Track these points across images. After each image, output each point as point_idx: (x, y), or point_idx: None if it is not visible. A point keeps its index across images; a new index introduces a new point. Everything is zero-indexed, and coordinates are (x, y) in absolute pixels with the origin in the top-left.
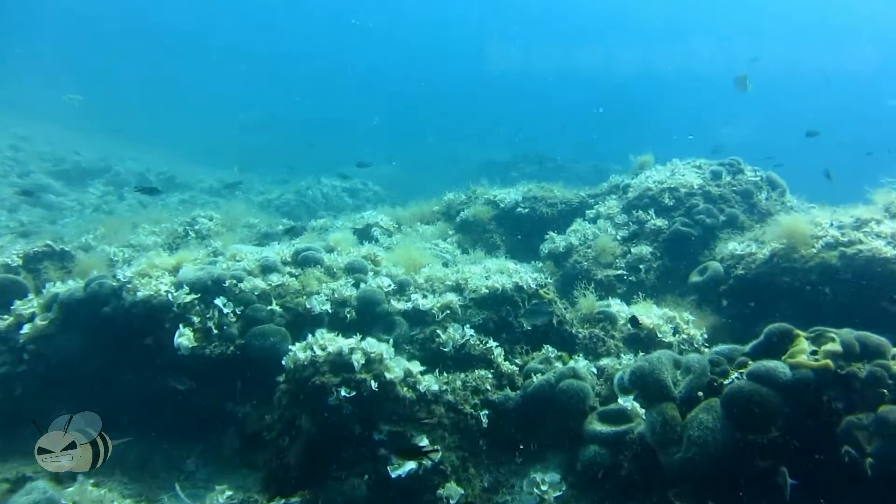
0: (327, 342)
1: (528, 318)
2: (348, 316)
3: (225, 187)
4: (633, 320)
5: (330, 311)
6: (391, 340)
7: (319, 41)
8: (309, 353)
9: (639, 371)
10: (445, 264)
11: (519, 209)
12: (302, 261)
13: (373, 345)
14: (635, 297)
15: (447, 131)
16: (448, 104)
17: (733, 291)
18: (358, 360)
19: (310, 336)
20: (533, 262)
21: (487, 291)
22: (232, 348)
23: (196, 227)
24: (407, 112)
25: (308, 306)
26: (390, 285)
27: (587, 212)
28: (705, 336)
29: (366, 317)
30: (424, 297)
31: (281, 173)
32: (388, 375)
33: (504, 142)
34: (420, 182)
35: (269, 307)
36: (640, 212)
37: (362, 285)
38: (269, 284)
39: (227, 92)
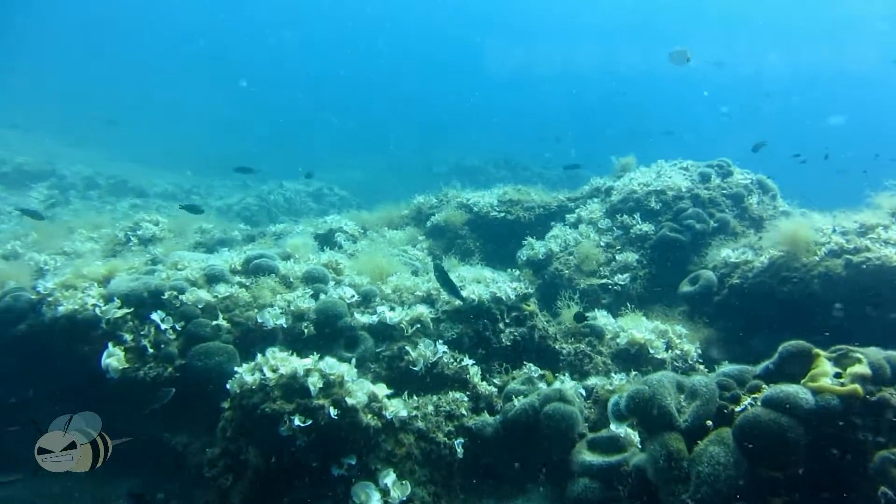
0: (279, 363)
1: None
2: (306, 331)
3: (183, 192)
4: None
5: (285, 325)
6: (354, 359)
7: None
8: (258, 375)
9: (638, 396)
10: (415, 273)
11: (494, 213)
12: (254, 269)
13: (332, 366)
14: (622, 308)
15: (415, 136)
16: (417, 107)
17: (728, 302)
18: (315, 383)
19: (259, 356)
20: (510, 269)
21: (461, 303)
22: (170, 370)
23: (139, 233)
24: (374, 115)
25: (260, 321)
26: (354, 296)
27: (567, 216)
28: (699, 351)
29: (326, 332)
30: (392, 309)
31: (242, 177)
32: (349, 401)
33: (473, 146)
34: (388, 186)
35: (214, 322)
36: (625, 216)
37: (322, 296)
38: (216, 296)
39: (187, 93)
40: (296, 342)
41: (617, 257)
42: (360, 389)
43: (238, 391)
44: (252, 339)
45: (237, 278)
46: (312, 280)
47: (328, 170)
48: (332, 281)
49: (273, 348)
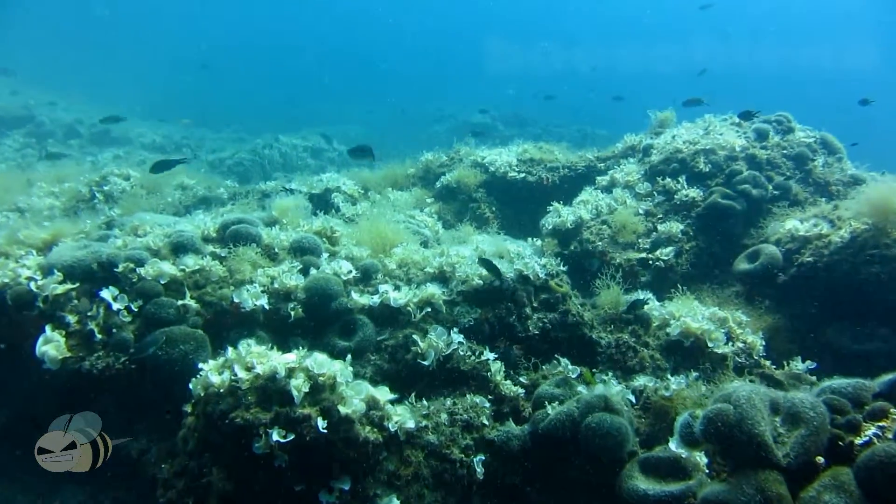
0: (255, 359)
1: None
2: (293, 314)
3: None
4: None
5: (267, 306)
6: (350, 352)
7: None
8: (227, 375)
9: (720, 419)
10: (425, 243)
11: (513, 174)
12: (231, 237)
13: (322, 364)
14: (671, 291)
15: (419, 91)
16: (420, 62)
17: (796, 284)
18: (299, 387)
19: (230, 351)
20: (531, 238)
21: (482, 283)
22: (123, 360)
23: (106, 189)
24: (377, 69)
25: (236, 300)
26: (351, 272)
27: (598, 178)
28: (764, 344)
29: (317, 315)
30: (397, 288)
31: (237, 130)
32: (342, 410)
33: (481, 102)
34: (391, 143)
35: (180, 301)
36: (668, 179)
37: (313, 271)
38: (183, 270)
39: (184, 42)
40: (280, 328)
41: (659, 227)
42: (357, 395)
43: (202, 394)
44: (226, 323)
45: (210, 248)
46: (302, 251)
47: (327, 123)
48: (326, 253)
49: (249, 340)
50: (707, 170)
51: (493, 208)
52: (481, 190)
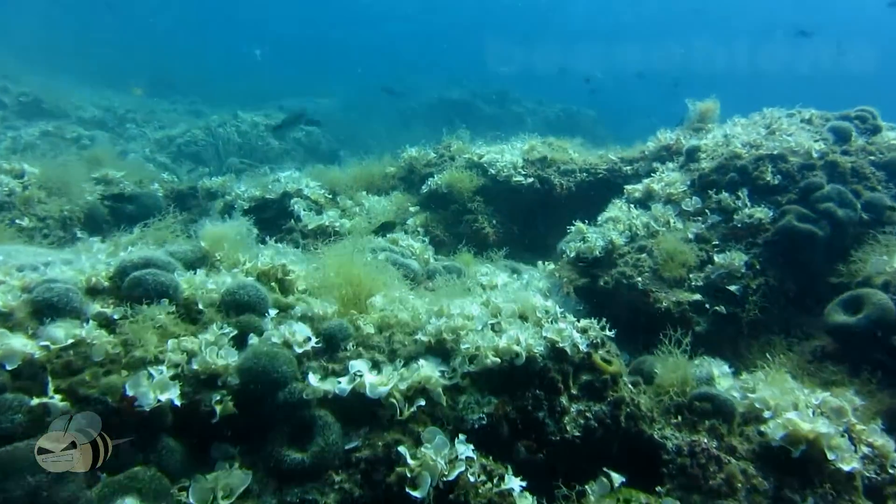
0: None
1: None
2: (219, 409)
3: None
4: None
5: (178, 402)
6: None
7: None
8: None
9: None
10: (412, 278)
11: (518, 178)
12: (131, 288)
13: None
14: (737, 347)
15: (389, 62)
16: (393, 32)
17: None
18: None
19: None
20: (543, 263)
21: (498, 360)
22: None
23: None
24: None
25: (130, 393)
26: (310, 340)
27: (627, 188)
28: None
29: (256, 411)
30: (375, 366)
31: (194, 100)
32: None
33: (456, 77)
34: (361, 121)
35: (36, 400)
36: (724, 194)
37: (254, 340)
38: (47, 347)
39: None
40: (200, 430)
41: (715, 258)
42: None
43: None
44: (114, 430)
45: (98, 306)
46: (238, 308)
47: (293, 96)
48: (274, 309)
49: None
50: (776, 182)
51: (494, 221)
52: (478, 198)
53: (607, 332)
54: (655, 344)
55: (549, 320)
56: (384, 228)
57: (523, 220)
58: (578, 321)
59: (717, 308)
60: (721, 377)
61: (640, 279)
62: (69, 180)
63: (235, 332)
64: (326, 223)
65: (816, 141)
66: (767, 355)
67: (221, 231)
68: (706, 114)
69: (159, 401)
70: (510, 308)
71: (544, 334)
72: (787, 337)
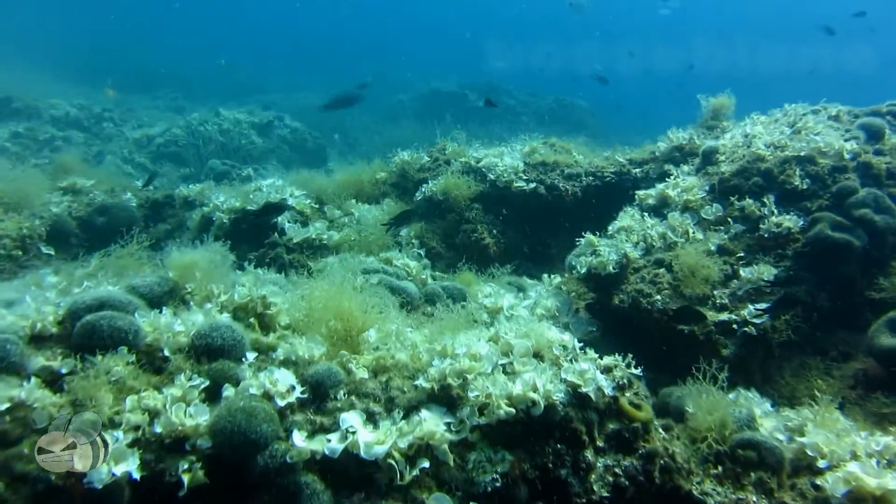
0: None
1: None
2: (187, 479)
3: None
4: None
5: (138, 474)
6: None
7: None
8: None
9: None
10: (408, 304)
11: (520, 184)
12: (83, 335)
13: None
14: (768, 373)
15: (378, 55)
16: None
17: None
18: None
19: None
20: (549, 276)
21: (512, 411)
22: None
23: None
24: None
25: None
26: (294, 390)
27: (639, 194)
28: None
29: (231, 479)
30: (370, 419)
31: (175, 96)
32: None
33: (448, 69)
34: (348, 115)
35: None
36: (748, 200)
37: (228, 392)
38: None
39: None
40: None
41: (741, 272)
42: None
43: None
44: None
45: (42, 359)
46: (211, 354)
47: (279, 91)
48: (251, 353)
49: None
50: (805, 187)
51: (495, 231)
52: (476, 205)
53: (634, 370)
54: (679, 368)
55: (568, 358)
56: (399, 222)
57: (526, 228)
58: (600, 357)
59: (745, 329)
60: (764, 417)
61: (659, 297)
62: (30, 192)
63: (207, 382)
64: (313, 236)
65: (847, 140)
66: (803, 379)
67: (192, 259)
68: (720, 110)
69: (114, 475)
70: (523, 346)
71: (564, 376)
72: (823, 358)
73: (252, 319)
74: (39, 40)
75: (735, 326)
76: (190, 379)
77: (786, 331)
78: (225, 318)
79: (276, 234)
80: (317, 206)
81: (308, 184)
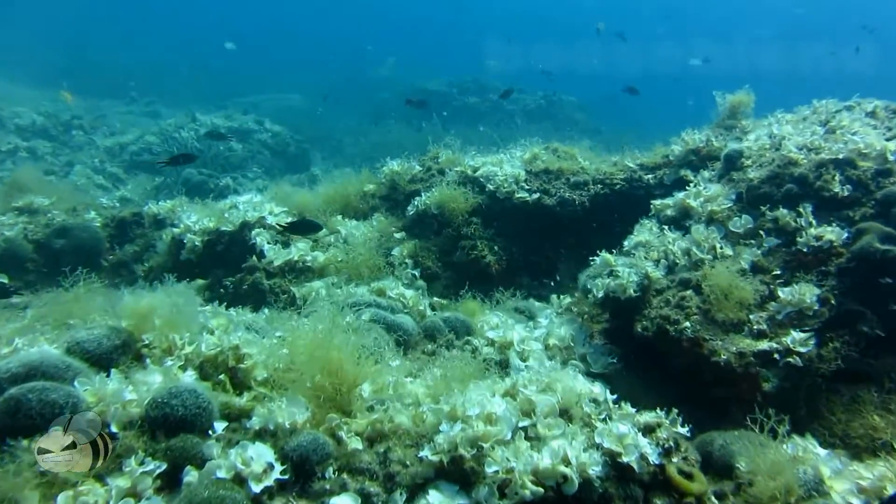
0: None
1: None
2: None
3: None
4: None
5: None
6: None
7: None
8: None
9: None
10: (402, 344)
11: (522, 195)
12: (6, 414)
13: None
14: (816, 409)
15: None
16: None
17: None
18: None
19: None
20: (559, 297)
21: (541, 490)
22: None
23: None
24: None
25: None
26: (272, 469)
27: (656, 205)
28: None
29: None
30: (366, 503)
31: (152, 100)
32: None
33: (437, 67)
34: (332, 116)
35: None
36: (782, 210)
37: (190, 478)
38: None
39: None
40: None
41: (780, 293)
42: None
43: None
44: None
45: None
46: (169, 427)
47: (259, 90)
48: (221, 423)
49: None
50: (845, 193)
51: (496, 247)
52: (475, 219)
53: (681, 429)
54: (714, 404)
55: (602, 417)
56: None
57: (529, 243)
58: (639, 413)
59: (788, 359)
60: (834, 478)
61: (688, 324)
62: None
63: (164, 466)
64: (296, 258)
65: (889, 139)
66: (856, 415)
67: (149, 304)
68: (737, 108)
69: None
70: (547, 403)
71: (599, 442)
72: (878, 390)
73: (222, 376)
74: (4, 42)
75: (777, 356)
76: (142, 463)
77: (834, 360)
78: (188, 378)
79: (254, 258)
80: None
81: (289, 199)
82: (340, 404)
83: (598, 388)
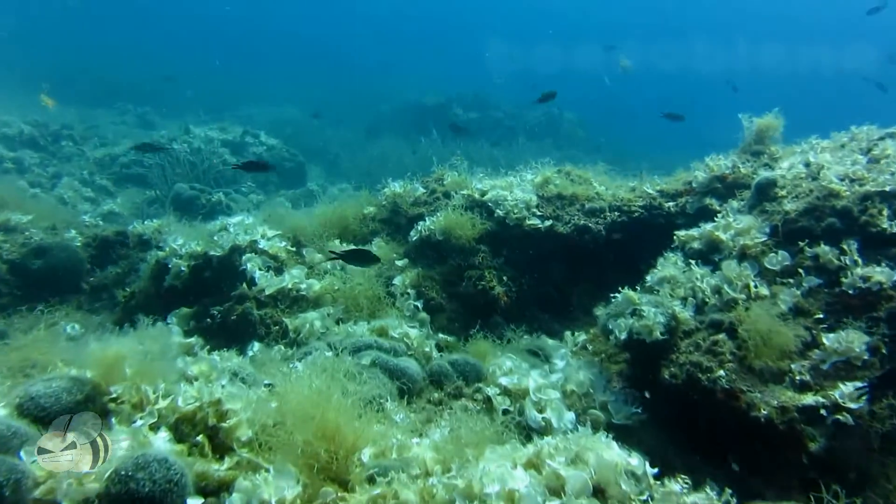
0: None
1: None
2: None
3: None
4: None
5: None
6: None
7: None
8: None
9: None
10: (407, 393)
11: (533, 221)
12: None
13: None
14: (849, 469)
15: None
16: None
17: None
18: None
19: None
20: (573, 335)
21: None
22: None
23: None
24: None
25: None
26: None
27: (680, 236)
28: None
29: None
30: None
31: (146, 110)
32: None
33: (431, 82)
34: (329, 129)
35: None
36: (824, 247)
37: None
38: None
39: None
40: None
41: (825, 340)
42: None
43: None
44: None
45: None
46: None
47: (255, 102)
48: (194, 501)
49: None
50: (894, 230)
51: (505, 278)
52: (483, 247)
53: None
54: (753, 463)
55: (643, 496)
56: None
57: (540, 273)
58: (686, 493)
59: (837, 416)
60: None
61: (722, 373)
62: None
63: None
64: (289, 286)
65: None
66: None
67: (118, 352)
68: (764, 132)
69: None
70: (579, 480)
71: None
72: None
73: (200, 437)
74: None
75: (823, 412)
76: None
77: (888, 418)
78: (160, 440)
79: (244, 285)
80: (293, 248)
81: (283, 221)
82: (336, 473)
83: (636, 461)
